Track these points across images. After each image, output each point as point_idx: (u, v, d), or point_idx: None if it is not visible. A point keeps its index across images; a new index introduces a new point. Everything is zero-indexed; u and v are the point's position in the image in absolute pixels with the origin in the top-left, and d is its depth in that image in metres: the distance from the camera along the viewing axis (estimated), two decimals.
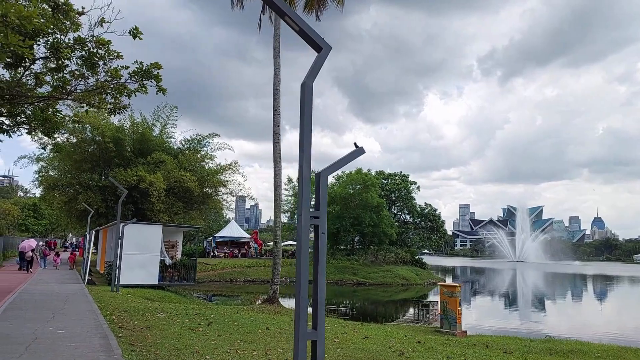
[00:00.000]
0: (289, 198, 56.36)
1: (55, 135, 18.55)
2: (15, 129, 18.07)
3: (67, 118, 16.78)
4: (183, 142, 42.91)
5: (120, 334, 9.67)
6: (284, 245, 74.77)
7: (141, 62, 13.78)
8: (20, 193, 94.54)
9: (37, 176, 40.05)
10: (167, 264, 23.43)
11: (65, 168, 38.53)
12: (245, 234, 67.48)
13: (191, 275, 24.20)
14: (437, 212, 59.59)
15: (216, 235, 64.89)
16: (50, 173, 39.82)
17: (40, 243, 46.04)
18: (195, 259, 25.58)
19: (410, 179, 58.17)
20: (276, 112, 19.66)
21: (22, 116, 17.23)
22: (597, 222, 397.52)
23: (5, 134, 18.31)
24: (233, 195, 43.76)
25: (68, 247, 58.49)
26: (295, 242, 66.68)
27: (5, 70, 14.75)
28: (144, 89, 13.93)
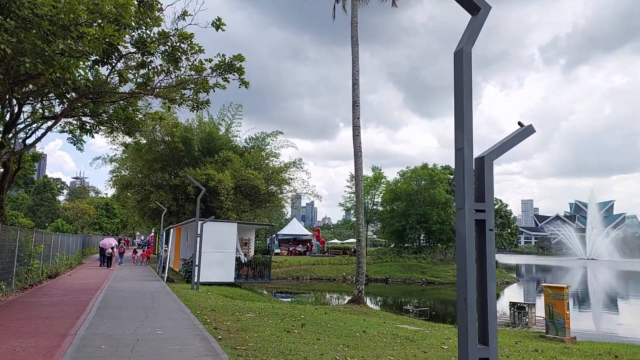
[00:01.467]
0: (351, 195, 55.60)
1: (137, 134, 18.70)
2: (97, 128, 18.39)
3: (148, 115, 16.83)
4: (248, 141, 43.21)
5: (220, 336, 9.22)
6: (345, 243, 74.14)
7: (223, 55, 13.42)
8: (92, 193, 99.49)
9: (111, 176, 41.62)
10: (243, 262, 23.30)
11: (137, 168, 39.72)
12: (307, 232, 67.41)
13: (266, 272, 23.96)
14: (508, 207, 56.86)
15: (279, 232, 65.13)
16: (123, 173, 41.22)
17: (121, 241, 48.00)
18: (269, 256, 25.36)
19: None
20: (355, 104, 18.90)
21: (104, 115, 17.45)
22: None
23: (88, 133, 18.68)
24: (298, 193, 43.60)
25: (141, 244, 60.67)
26: (355, 240, 65.16)
27: (89, 69, 14.88)
28: (226, 81, 13.60)
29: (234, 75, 13.57)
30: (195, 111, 14.42)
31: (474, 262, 3.81)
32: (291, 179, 41.88)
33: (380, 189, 54.55)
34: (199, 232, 19.36)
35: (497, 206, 56.33)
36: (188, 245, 27.44)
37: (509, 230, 56.90)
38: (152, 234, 60.00)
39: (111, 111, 16.98)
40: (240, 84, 13.64)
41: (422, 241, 52.26)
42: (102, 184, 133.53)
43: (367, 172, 57.95)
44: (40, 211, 68.79)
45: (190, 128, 38.83)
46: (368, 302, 33.74)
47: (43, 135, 15.93)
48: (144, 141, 36.62)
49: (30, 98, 15.42)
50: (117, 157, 40.08)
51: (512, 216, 58.04)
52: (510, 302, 17.09)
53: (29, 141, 18.42)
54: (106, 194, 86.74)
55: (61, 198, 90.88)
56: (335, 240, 75.20)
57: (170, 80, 14.10)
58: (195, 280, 19.08)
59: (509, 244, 66.09)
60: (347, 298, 34.88)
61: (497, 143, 4.25)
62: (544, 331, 13.59)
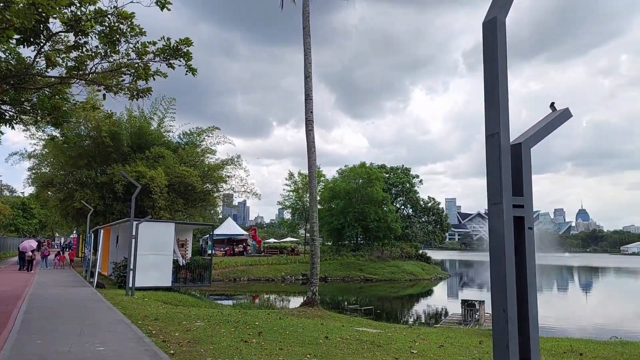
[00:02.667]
0: (290, 193, 54.94)
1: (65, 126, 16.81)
2: (18, 118, 16.38)
3: (79, 104, 15.10)
4: (182, 136, 41.27)
5: (172, 351, 8.20)
6: (282, 242, 73.24)
7: (169, 39, 12.21)
8: (7, 192, 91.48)
9: (29, 174, 38.12)
10: (181, 264, 21.87)
11: (59, 165, 36.61)
12: (243, 232, 65.86)
13: (206, 275, 22.66)
14: (441, 205, 58.58)
15: (212, 233, 62.91)
16: (44, 170, 37.87)
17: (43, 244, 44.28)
18: (210, 257, 24.05)
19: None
20: (308, 97, 18.20)
21: (27, 104, 15.53)
22: (582, 214, 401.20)
23: (7, 124, 16.56)
24: (235, 192, 42.22)
25: (64, 246, 56.39)
26: (294, 239, 65.19)
27: (7, 54, 13.09)
28: (171, 68, 12.41)
29: (180, 61, 12.39)
30: (135, 100, 13.07)
31: (514, 267, 3.25)
32: (228, 177, 40.53)
33: (319, 187, 54.22)
34: (134, 233, 17.84)
35: (430, 204, 58.02)
36: (119, 247, 25.49)
37: (440, 227, 58.75)
38: (75, 235, 55.94)
39: (35, 99, 15.12)
40: (187, 71, 12.47)
41: (359, 239, 52.58)
42: (19, 182, 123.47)
43: (305, 170, 57.60)
44: None
45: (120, 122, 36.36)
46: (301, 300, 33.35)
47: None
48: (69, 135, 33.84)
49: None
50: (37, 153, 36.75)
51: (443, 213, 59.93)
52: (462, 300, 17.22)
53: None
54: (22, 192, 79.98)
55: None
56: (272, 240, 74.13)
57: (107, 64, 12.66)
58: (130, 285, 17.57)
59: (441, 240, 68.30)
60: (293, 299, 34.34)
61: (532, 128, 3.72)
62: None
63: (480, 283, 50.70)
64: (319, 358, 8.24)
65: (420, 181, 57.94)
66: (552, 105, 3.77)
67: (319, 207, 56.27)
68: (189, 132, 40.58)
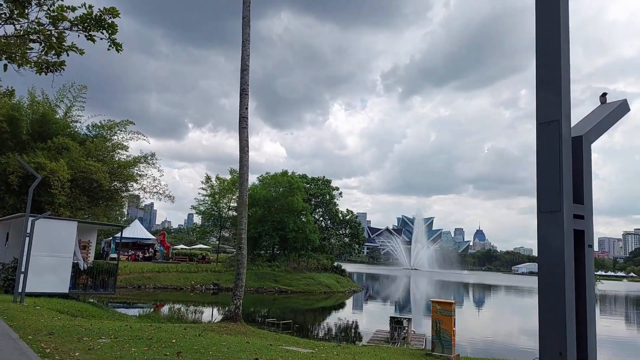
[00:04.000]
0: (206, 198, 52.48)
1: None
2: None
3: None
4: (91, 128, 37.89)
5: None
6: (192, 249, 69.88)
7: (91, 6, 10.54)
8: None
9: None
10: (82, 269, 19.40)
11: None
12: (151, 236, 61.98)
13: (110, 282, 20.30)
14: (358, 219, 59.00)
15: (116, 235, 58.56)
16: None
17: None
18: (117, 262, 21.64)
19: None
20: (244, 92, 16.90)
21: None
22: (479, 234, 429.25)
23: None
24: (146, 192, 39.34)
25: None
26: (205, 246, 62.29)
27: None
28: (91, 41, 10.71)
29: (103, 33, 10.71)
30: (44, 74, 11.12)
31: (574, 298, 2.44)
32: (140, 176, 37.75)
33: (237, 193, 52.40)
34: (28, 231, 15.43)
35: (348, 217, 58.30)
36: (9, 246, 22.27)
37: (357, 240, 59.19)
38: None
39: None
40: (110, 46, 10.79)
41: (276, 249, 51.38)
42: None
43: (224, 175, 55.52)
44: None
45: (19, 106, 32.49)
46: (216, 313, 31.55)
47: None
48: None
49: None
50: None
51: (361, 227, 60.43)
52: (390, 317, 16.72)
53: None
54: None
55: None
56: (182, 246, 70.55)
57: (12, 29, 10.65)
58: (20, 290, 15.11)
59: (358, 253, 68.93)
60: (206, 311, 32.24)
61: (587, 120, 2.97)
62: (430, 348, 13.25)
63: (387, 296, 52.13)
64: None
65: (340, 194, 58.18)
66: (603, 95, 3.05)
67: (234, 214, 54.63)
68: (99, 124, 37.36)
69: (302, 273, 47.42)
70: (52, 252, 17.64)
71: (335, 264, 55.58)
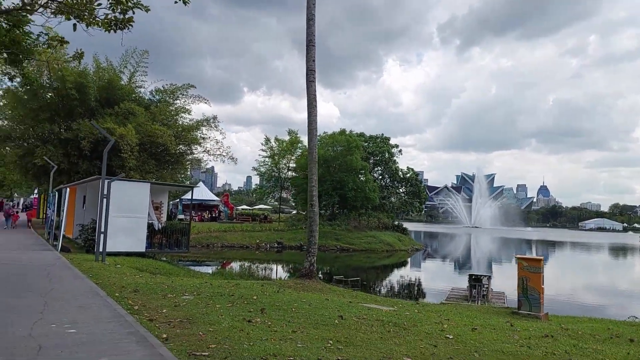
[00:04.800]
0: (265, 159, 52.87)
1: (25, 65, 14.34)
2: None
3: (42, 37, 12.77)
4: (154, 93, 38.53)
5: (164, 334, 6.55)
6: (254, 209, 71.39)
7: None
8: None
9: None
10: (157, 229, 19.98)
11: (18, 117, 33.56)
12: (215, 197, 63.79)
13: (184, 241, 20.86)
14: (419, 176, 57.56)
15: (182, 197, 60.68)
16: (0, 123, 34.73)
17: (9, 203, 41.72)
18: (189, 222, 22.19)
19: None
20: (311, 43, 16.30)
21: None
22: (543, 190, 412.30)
23: None
24: (210, 155, 39.94)
25: (28, 206, 53.32)
26: (266, 206, 63.46)
27: None
28: None
29: None
30: (113, 31, 10.94)
31: None
32: (203, 139, 38.30)
33: (296, 154, 52.37)
34: (105, 193, 15.86)
35: (408, 175, 57.02)
36: (87, 208, 23.35)
37: (418, 198, 58.03)
38: (36, 195, 52.71)
39: None
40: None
41: (335, 208, 51.34)
42: None
43: (283, 136, 55.58)
44: None
45: (86, 73, 33.37)
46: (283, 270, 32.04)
47: None
48: (33, 77, 30.76)
49: None
50: None
51: (422, 185, 58.95)
52: (469, 275, 16.11)
53: None
54: None
55: None
56: (244, 206, 72.23)
57: None
58: (101, 250, 15.70)
59: (419, 211, 67.83)
60: (275, 268, 32.94)
61: None
62: (515, 307, 12.59)
63: (449, 254, 50.99)
64: (344, 344, 6.76)
65: (400, 151, 56.73)
66: None
67: (294, 174, 54.80)
68: (162, 88, 37.89)
69: (363, 232, 47.26)
70: (128, 213, 18.17)
71: (395, 222, 54.96)
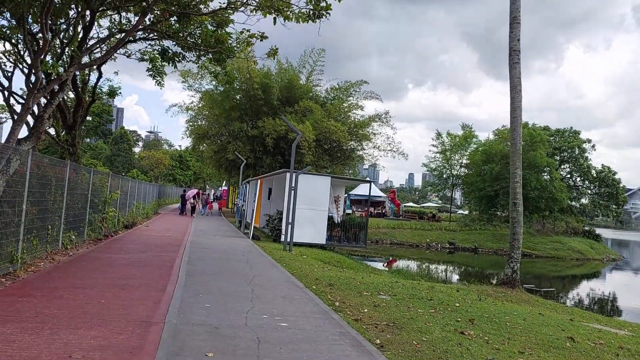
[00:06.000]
0: (436, 155, 50.96)
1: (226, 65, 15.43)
2: (181, 56, 15.42)
3: (244, 34, 13.49)
4: (329, 91, 39.66)
5: (377, 340, 5.95)
6: (421, 207, 69.76)
7: None
8: (165, 146, 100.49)
9: (187, 126, 39.75)
10: (336, 222, 20.18)
11: (213, 117, 37.47)
12: (381, 193, 63.79)
13: (362, 236, 20.75)
14: (617, 176, 49.78)
15: (350, 193, 61.88)
16: (199, 123, 39.20)
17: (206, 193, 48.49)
18: (367, 217, 22.12)
19: None
20: (515, 20, 14.71)
21: (190, 39, 14.37)
22: None
23: (170, 63, 15.75)
24: (380, 150, 39.68)
25: (218, 197, 60.58)
26: (433, 204, 61.19)
27: None
28: None
29: None
30: (312, 22, 10.91)
31: None
32: (374, 134, 38.18)
33: (469, 150, 49.41)
34: (293, 185, 16.32)
35: (603, 174, 49.59)
36: (272, 199, 24.78)
37: (615, 202, 50.02)
38: (225, 187, 58.79)
39: (199, 32, 13.88)
40: None
41: None
42: (175, 137, 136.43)
43: (456, 131, 52.93)
44: (118, 161, 69.36)
45: (270, 74, 35.75)
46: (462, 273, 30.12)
47: (115, 47, 12.98)
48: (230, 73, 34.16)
49: (104, 7, 12.52)
50: (194, 106, 38.01)
51: (620, 185, 50.72)
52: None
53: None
54: (180, 145, 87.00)
55: (137, 150, 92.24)
56: (411, 204, 71.03)
57: None
58: (288, 240, 16.20)
59: (616, 216, 58.66)
60: (455, 271, 31.47)
61: None
62: None
63: None
64: None
65: (593, 146, 49.59)
66: None
67: (467, 171, 51.73)
68: (336, 86, 38.81)
69: (548, 236, 42.47)
70: (310, 205, 18.58)
71: (586, 227, 48.30)
